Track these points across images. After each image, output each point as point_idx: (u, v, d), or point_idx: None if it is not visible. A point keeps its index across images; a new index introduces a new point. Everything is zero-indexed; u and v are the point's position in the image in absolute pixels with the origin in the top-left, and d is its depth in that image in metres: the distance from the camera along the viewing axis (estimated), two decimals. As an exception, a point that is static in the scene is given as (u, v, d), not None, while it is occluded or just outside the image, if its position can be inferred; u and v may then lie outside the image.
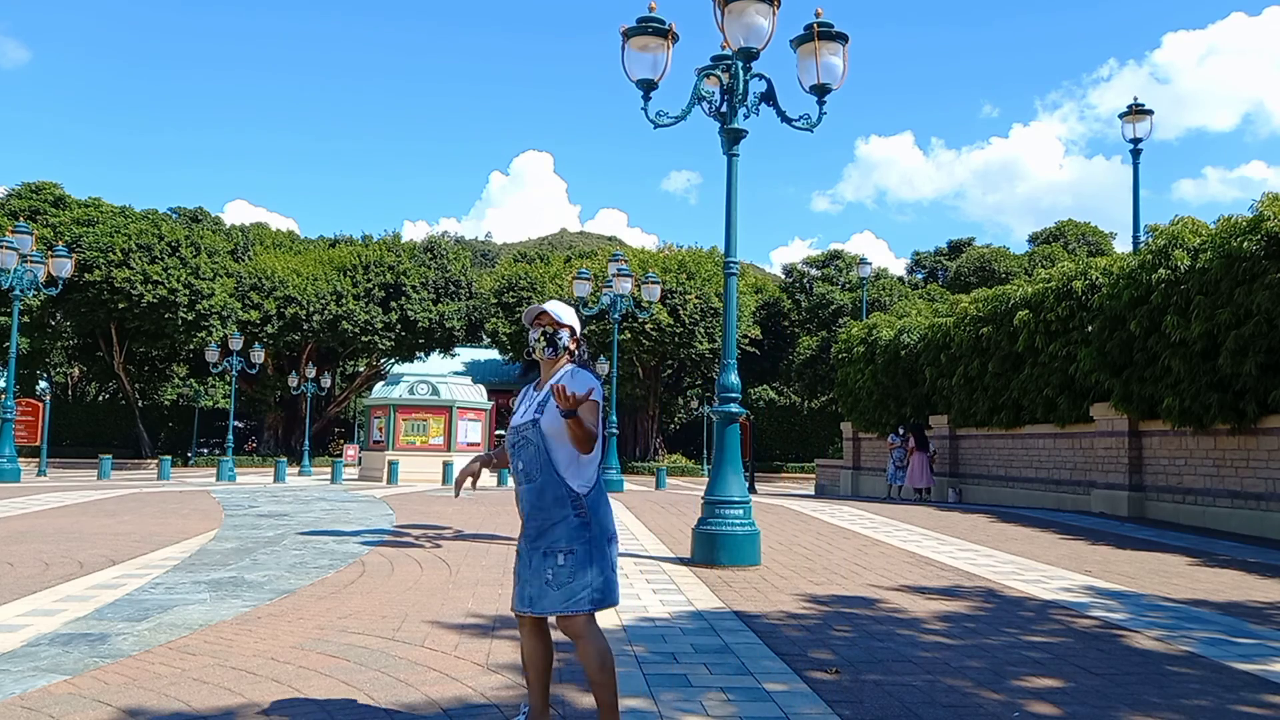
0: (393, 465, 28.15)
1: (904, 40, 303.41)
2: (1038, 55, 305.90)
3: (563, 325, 3.50)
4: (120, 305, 37.78)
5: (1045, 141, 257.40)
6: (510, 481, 31.14)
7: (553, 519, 3.35)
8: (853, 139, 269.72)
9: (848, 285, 52.39)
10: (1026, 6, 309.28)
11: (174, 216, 46.59)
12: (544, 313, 3.52)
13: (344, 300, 43.89)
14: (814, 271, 55.20)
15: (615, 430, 23.67)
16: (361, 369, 52.75)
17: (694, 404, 57.90)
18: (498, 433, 50.51)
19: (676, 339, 43.41)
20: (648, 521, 11.97)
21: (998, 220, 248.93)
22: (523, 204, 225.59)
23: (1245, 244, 11.87)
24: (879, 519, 12.98)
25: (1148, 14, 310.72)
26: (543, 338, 3.49)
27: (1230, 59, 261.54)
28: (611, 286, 22.86)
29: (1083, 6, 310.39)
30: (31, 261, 21.93)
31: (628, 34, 8.61)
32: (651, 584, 7.26)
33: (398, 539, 9.80)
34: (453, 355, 53.22)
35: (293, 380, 42.04)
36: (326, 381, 44.96)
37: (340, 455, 39.96)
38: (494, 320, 45.79)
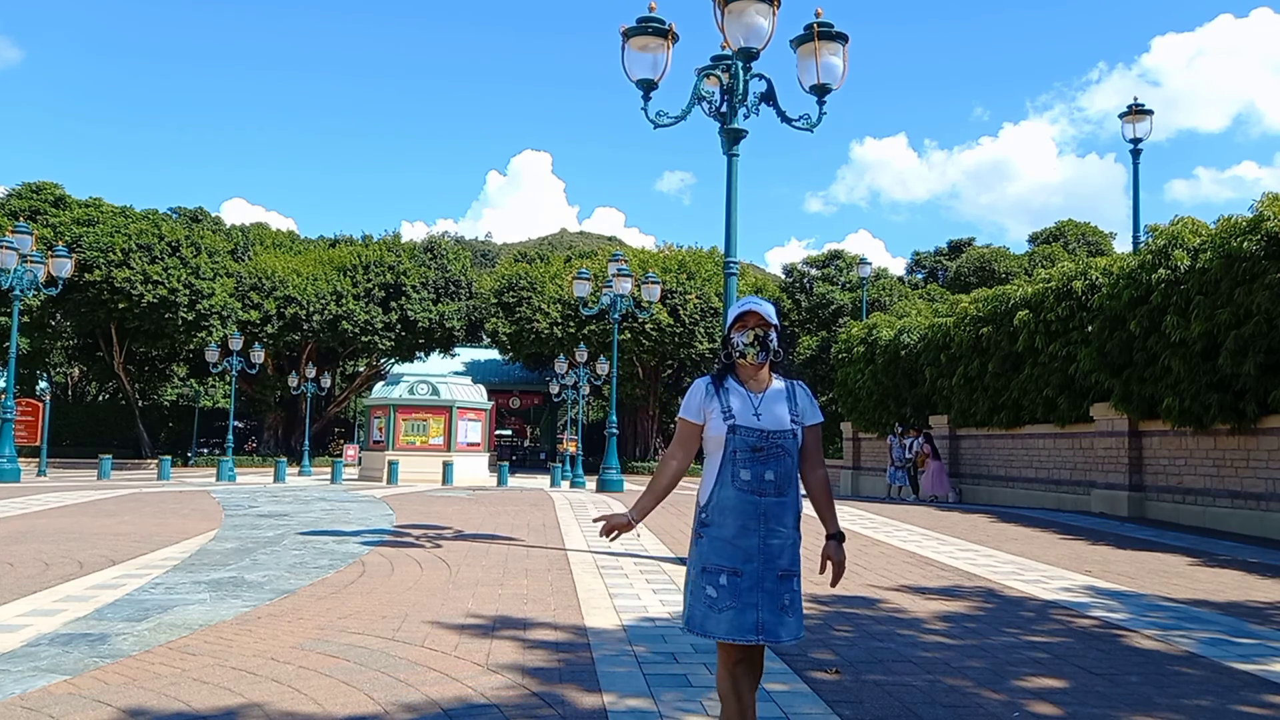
0: (393, 465, 28.16)
1: (899, 41, 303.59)
2: (1028, 58, 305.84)
3: (772, 325, 3.24)
4: (120, 305, 37.76)
5: (1037, 142, 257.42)
6: (511, 481, 30.75)
7: (792, 538, 3.18)
8: (847, 140, 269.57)
9: (848, 285, 52.34)
10: (1017, 9, 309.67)
11: (174, 216, 46.54)
12: (752, 312, 3.25)
13: (344, 300, 43.88)
14: (814, 271, 55.14)
15: (615, 430, 23.66)
16: (361, 369, 52.76)
17: (694, 404, 57.81)
18: (497, 433, 50.64)
19: (676, 339, 43.41)
20: (648, 521, 11.97)
21: (992, 220, 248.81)
22: (521, 204, 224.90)
23: (1245, 244, 11.88)
24: (879, 519, 12.98)
25: (1136, 16, 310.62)
26: (755, 341, 3.22)
27: (1219, 60, 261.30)
28: (611, 286, 22.86)
29: (1072, 10, 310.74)
30: (31, 261, 21.94)
31: (628, 34, 8.61)
32: (651, 584, 7.27)
33: (398, 539, 9.80)
34: (453, 355, 53.24)
35: (293, 380, 42.04)
36: (326, 381, 44.95)
37: (340, 455, 39.94)
38: (494, 320, 45.79)
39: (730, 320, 3.29)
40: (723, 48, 8.67)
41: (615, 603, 6.44)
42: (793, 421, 3.21)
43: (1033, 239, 56.60)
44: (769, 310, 3.25)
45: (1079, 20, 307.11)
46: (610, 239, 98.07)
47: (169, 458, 29.00)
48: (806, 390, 3.34)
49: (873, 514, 13.76)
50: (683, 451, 3.30)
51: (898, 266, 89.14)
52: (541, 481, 30.36)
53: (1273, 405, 11.79)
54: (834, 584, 3.28)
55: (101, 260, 37.27)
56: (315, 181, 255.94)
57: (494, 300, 46.30)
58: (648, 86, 8.58)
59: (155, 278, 37.81)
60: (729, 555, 3.11)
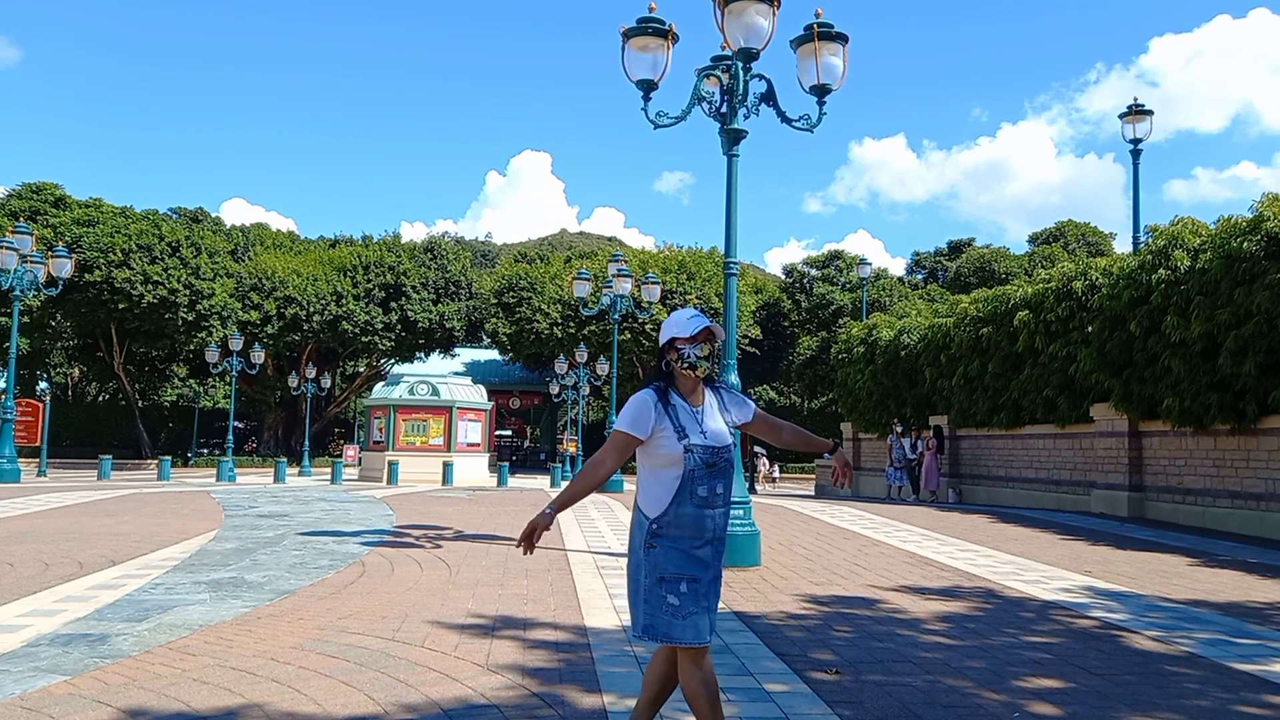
0: (393, 466, 28.15)
1: (899, 42, 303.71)
2: (1026, 59, 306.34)
3: (719, 338, 3.34)
4: (120, 305, 37.75)
5: (1035, 142, 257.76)
6: (511, 482, 30.82)
7: (724, 544, 3.32)
8: (846, 141, 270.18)
9: (848, 285, 52.37)
10: (1016, 10, 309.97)
11: (174, 217, 46.54)
12: (709, 328, 3.31)
13: (344, 300, 43.87)
14: (814, 272, 55.18)
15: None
16: (361, 369, 52.74)
17: (694, 404, 57.75)
18: (497, 433, 50.60)
19: (676, 339, 43.38)
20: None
21: (991, 220, 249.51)
22: (521, 204, 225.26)
23: (1245, 244, 11.88)
24: (879, 519, 12.98)
25: (1134, 17, 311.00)
26: (709, 355, 3.32)
27: (1217, 60, 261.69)
28: (611, 287, 22.86)
29: (1070, 11, 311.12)
30: (31, 262, 21.93)
31: (628, 34, 8.61)
32: (651, 584, 7.26)
33: (398, 539, 9.81)
34: (453, 355, 53.21)
35: (293, 380, 42.02)
36: (326, 382, 44.93)
37: (340, 456, 39.91)
38: (494, 320, 45.78)
39: (684, 333, 3.30)
40: (723, 48, 8.68)
41: (615, 603, 6.45)
42: (730, 432, 3.37)
43: (1032, 239, 56.62)
44: (716, 326, 3.35)
45: (1077, 21, 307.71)
46: (610, 239, 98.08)
47: (169, 458, 28.98)
48: (730, 390, 3.47)
49: (873, 514, 13.76)
50: (616, 459, 3.31)
51: (897, 267, 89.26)
52: (541, 482, 30.36)
53: (1273, 405, 11.79)
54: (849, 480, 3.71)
55: (101, 260, 37.26)
56: (315, 182, 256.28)
57: (494, 300, 46.28)
58: (648, 87, 8.58)
59: (155, 278, 37.80)
60: (687, 564, 3.20)
